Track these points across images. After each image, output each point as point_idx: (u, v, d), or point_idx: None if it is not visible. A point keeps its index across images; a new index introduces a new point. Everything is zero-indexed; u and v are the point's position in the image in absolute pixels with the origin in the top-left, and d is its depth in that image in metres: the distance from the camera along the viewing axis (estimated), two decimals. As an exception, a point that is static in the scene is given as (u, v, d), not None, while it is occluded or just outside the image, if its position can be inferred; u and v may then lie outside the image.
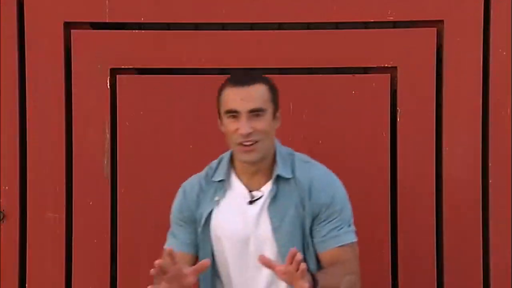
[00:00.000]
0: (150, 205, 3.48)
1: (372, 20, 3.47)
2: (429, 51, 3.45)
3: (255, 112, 2.67)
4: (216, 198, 2.78)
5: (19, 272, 3.53)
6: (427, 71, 3.45)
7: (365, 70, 3.53)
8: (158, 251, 3.43)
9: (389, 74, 3.47)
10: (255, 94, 2.69)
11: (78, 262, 3.51)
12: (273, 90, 2.76)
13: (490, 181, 3.46)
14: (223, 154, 2.88)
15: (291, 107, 3.40)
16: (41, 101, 3.49)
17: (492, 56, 3.45)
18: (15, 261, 3.52)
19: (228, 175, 2.79)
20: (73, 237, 3.51)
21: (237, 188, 2.78)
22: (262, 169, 2.75)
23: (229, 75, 2.84)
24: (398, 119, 3.46)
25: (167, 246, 2.84)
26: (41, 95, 3.49)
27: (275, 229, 2.71)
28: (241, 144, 2.68)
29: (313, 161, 2.84)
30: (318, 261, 2.76)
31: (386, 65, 3.47)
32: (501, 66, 3.45)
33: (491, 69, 3.45)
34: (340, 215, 2.73)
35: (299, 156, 2.83)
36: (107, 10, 3.48)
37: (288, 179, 2.74)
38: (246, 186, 2.77)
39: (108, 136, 3.49)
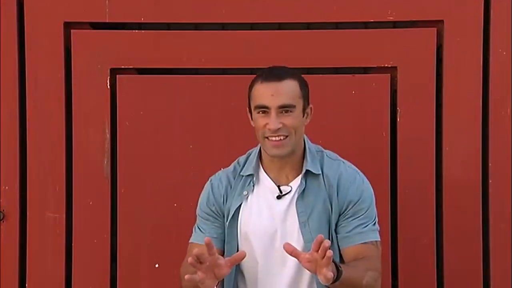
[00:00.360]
0: (150, 205, 3.48)
1: (372, 20, 3.47)
2: (429, 51, 3.45)
3: (285, 108, 2.68)
4: (245, 193, 2.78)
5: (19, 272, 3.53)
6: (427, 71, 3.45)
7: (365, 70, 3.53)
8: (158, 251, 3.45)
9: (389, 74, 3.47)
10: (285, 90, 2.69)
11: (78, 262, 3.51)
12: (304, 86, 2.75)
13: (490, 181, 3.46)
14: (251, 150, 2.87)
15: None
16: (41, 101, 3.49)
17: (492, 56, 3.45)
18: (15, 261, 3.52)
19: (256, 170, 2.79)
20: (73, 237, 3.51)
21: (265, 183, 2.77)
22: (290, 164, 2.75)
23: (261, 70, 2.80)
24: (398, 119, 3.46)
25: (193, 240, 2.84)
26: (41, 95, 3.49)
27: (302, 224, 2.71)
28: (269, 138, 2.68)
29: (341, 159, 2.84)
30: (341, 257, 2.76)
31: (386, 65, 3.47)
32: (501, 66, 3.45)
33: (491, 69, 3.45)
34: (366, 212, 2.74)
35: (328, 153, 2.84)
36: (107, 10, 3.48)
37: (316, 175, 2.75)
38: (274, 181, 2.77)
39: (108, 136, 3.49)
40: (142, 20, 3.50)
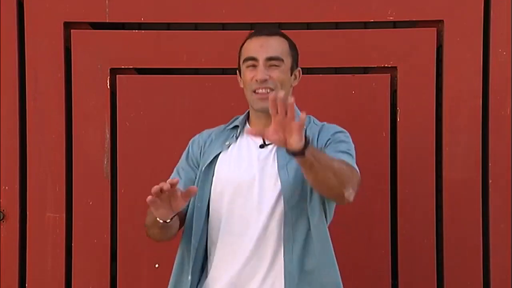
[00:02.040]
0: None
1: (372, 20, 3.47)
2: (429, 51, 3.45)
3: (273, 61, 2.70)
4: (227, 143, 2.79)
5: (19, 272, 3.53)
6: (427, 71, 3.45)
7: (365, 70, 3.53)
8: (158, 251, 3.45)
9: (389, 74, 3.47)
10: (274, 44, 2.73)
11: (78, 262, 3.51)
12: (293, 47, 2.79)
13: (490, 181, 3.46)
14: (238, 115, 2.88)
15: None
16: (41, 101, 3.49)
17: (492, 56, 3.45)
18: (15, 261, 3.52)
19: (242, 124, 2.82)
20: (73, 237, 3.51)
21: (250, 136, 2.77)
22: None
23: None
24: (398, 119, 3.47)
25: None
26: (41, 95, 3.49)
27: (281, 167, 2.69)
28: (256, 91, 2.71)
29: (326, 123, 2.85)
30: (324, 210, 2.72)
31: (386, 65, 3.47)
32: (501, 66, 3.45)
33: (491, 69, 3.45)
34: (342, 147, 2.71)
35: (315, 119, 2.85)
36: (107, 10, 3.48)
37: None
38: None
39: (108, 136, 3.49)
40: (142, 20, 3.50)
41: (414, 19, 3.48)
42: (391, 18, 3.47)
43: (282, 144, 2.41)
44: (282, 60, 2.73)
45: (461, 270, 3.46)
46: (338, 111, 3.45)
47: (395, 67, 3.46)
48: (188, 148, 2.88)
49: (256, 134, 2.51)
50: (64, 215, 3.51)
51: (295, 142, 2.38)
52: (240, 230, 2.70)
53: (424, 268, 3.46)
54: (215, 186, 2.76)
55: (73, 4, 3.48)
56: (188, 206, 2.77)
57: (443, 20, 3.45)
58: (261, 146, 2.75)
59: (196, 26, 3.56)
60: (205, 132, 2.89)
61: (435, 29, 3.46)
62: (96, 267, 3.51)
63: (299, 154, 2.41)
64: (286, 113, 2.36)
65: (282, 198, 2.67)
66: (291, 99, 2.36)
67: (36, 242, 3.51)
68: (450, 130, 3.46)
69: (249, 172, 2.72)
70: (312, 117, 2.85)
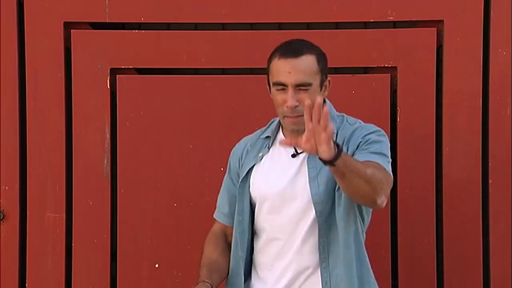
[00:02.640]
0: (150, 205, 3.48)
1: (372, 20, 3.47)
2: (429, 51, 3.45)
3: (302, 87, 2.69)
4: (260, 154, 2.82)
5: (19, 272, 3.53)
6: (427, 71, 3.45)
7: (365, 70, 3.53)
8: (158, 251, 3.45)
9: (389, 74, 3.47)
10: (302, 67, 2.69)
11: (78, 262, 3.51)
12: (322, 59, 2.77)
13: (490, 181, 3.46)
14: (274, 119, 2.88)
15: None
16: (41, 101, 3.49)
17: (492, 56, 3.45)
18: (15, 261, 3.52)
19: (274, 133, 2.83)
20: (73, 237, 3.51)
21: None
22: None
23: (280, 44, 2.80)
24: (398, 119, 3.46)
25: (215, 216, 2.95)
26: (41, 95, 3.49)
27: (311, 179, 2.71)
28: (287, 116, 2.71)
29: (361, 121, 2.83)
30: (360, 216, 2.76)
31: (386, 65, 3.47)
32: (501, 66, 3.45)
33: (491, 69, 3.45)
34: (376, 149, 2.69)
35: (349, 118, 2.84)
36: (107, 10, 3.48)
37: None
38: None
39: (108, 136, 3.49)
40: (142, 20, 3.50)
41: (414, 19, 3.47)
42: (391, 18, 3.47)
43: (314, 152, 2.42)
44: (311, 84, 2.70)
45: (461, 270, 3.46)
46: (338, 111, 3.45)
47: (395, 67, 3.46)
48: (230, 161, 2.93)
49: (289, 144, 2.51)
50: (64, 215, 3.50)
51: (324, 152, 2.38)
52: (278, 242, 2.76)
53: (424, 268, 3.46)
54: (253, 199, 2.81)
55: (73, 4, 3.48)
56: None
57: (443, 20, 3.45)
58: (293, 156, 2.76)
59: (196, 26, 3.55)
60: (243, 142, 2.93)
61: (435, 29, 3.46)
62: (96, 267, 3.50)
63: (329, 163, 2.42)
64: (319, 121, 2.36)
65: (313, 210, 2.70)
66: (326, 108, 2.35)
67: (36, 242, 3.51)
68: (450, 130, 3.46)
69: (280, 184, 2.75)
70: (346, 117, 2.85)
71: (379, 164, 2.64)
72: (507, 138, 3.45)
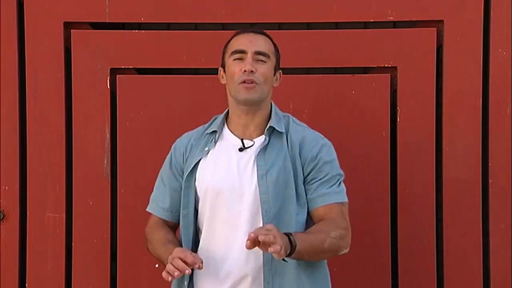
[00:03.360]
0: (150, 205, 3.48)
1: (372, 20, 3.47)
2: (429, 51, 3.45)
3: (260, 56, 2.76)
4: (206, 149, 2.83)
5: (19, 272, 3.53)
6: (427, 71, 3.45)
7: (365, 70, 3.53)
8: (158, 251, 3.43)
9: (389, 74, 3.47)
10: (262, 40, 2.81)
11: (78, 262, 3.51)
12: (277, 49, 2.86)
13: (490, 181, 3.46)
14: (216, 115, 2.92)
15: (291, 107, 3.40)
16: (41, 101, 3.49)
17: (492, 56, 3.45)
18: (15, 261, 3.52)
19: (220, 127, 2.85)
20: (73, 237, 3.51)
21: (229, 139, 2.82)
22: (255, 122, 2.80)
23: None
24: (398, 119, 3.46)
25: (151, 210, 2.93)
26: (41, 95, 3.49)
27: (260, 176, 2.74)
28: (242, 82, 2.74)
29: (308, 127, 2.89)
30: (311, 219, 2.80)
31: (386, 65, 3.47)
32: (501, 66, 3.45)
33: (491, 69, 3.45)
34: (328, 174, 2.78)
35: (295, 119, 2.89)
36: (107, 10, 3.48)
37: (280, 133, 2.79)
38: (238, 137, 2.82)
39: (108, 136, 3.49)
40: (142, 20, 3.50)
41: (414, 19, 3.48)
42: (391, 18, 3.47)
43: (265, 250, 2.52)
44: (269, 57, 2.79)
45: (461, 270, 3.46)
46: (338, 111, 3.46)
47: (395, 67, 3.46)
48: (171, 155, 2.93)
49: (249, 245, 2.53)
50: (64, 215, 3.50)
51: (278, 254, 2.47)
52: (223, 237, 2.76)
53: (424, 268, 3.46)
54: (198, 193, 2.81)
55: (73, 4, 3.48)
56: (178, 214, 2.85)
57: (443, 20, 3.45)
58: (240, 150, 2.79)
59: (196, 26, 3.55)
60: (185, 137, 2.94)
61: (435, 29, 3.46)
62: (96, 267, 3.51)
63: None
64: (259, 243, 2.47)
65: (259, 208, 2.72)
66: (261, 237, 2.45)
67: (36, 242, 3.51)
68: (450, 130, 3.46)
69: (228, 179, 2.77)
70: (291, 117, 2.88)
71: (336, 209, 2.74)
72: (507, 138, 3.45)
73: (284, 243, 2.49)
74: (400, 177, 3.46)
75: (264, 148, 2.78)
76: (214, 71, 3.50)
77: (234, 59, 2.78)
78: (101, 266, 3.50)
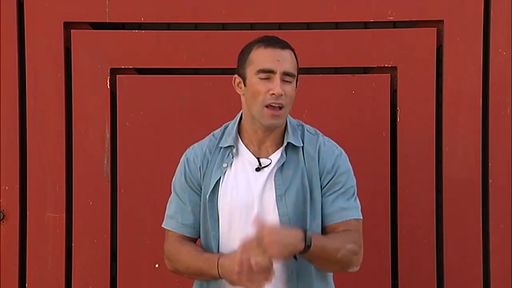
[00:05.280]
0: (150, 205, 3.48)
1: (372, 20, 3.47)
2: (429, 51, 3.45)
3: (288, 77, 2.66)
4: (224, 165, 2.73)
5: (19, 272, 3.53)
6: (427, 71, 3.45)
7: (365, 70, 3.53)
8: (158, 251, 3.44)
9: (389, 74, 3.47)
10: (288, 58, 2.68)
11: (78, 262, 3.51)
12: (297, 60, 2.76)
13: (490, 181, 3.46)
14: (227, 123, 2.84)
15: (291, 107, 3.40)
16: (41, 101, 3.49)
17: (492, 56, 3.45)
18: (15, 261, 3.52)
19: (235, 142, 2.75)
20: (73, 237, 3.51)
21: (245, 155, 2.73)
22: (271, 137, 2.72)
23: (258, 38, 2.79)
24: (398, 119, 3.47)
25: (170, 227, 2.81)
26: (41, 95, 3.49)
27: (279, 197, 2.68)
28: (269, 106, 2.65)
29: (320, 133, 2.83)
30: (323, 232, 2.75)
31: (386, 65, 3.47)
32: (501, 66, 3.45)
33: (491, 69, 3.45)
34: (344, 186, 2.72)
35: (308, 127, 2.82)
36: (107, 10, 3.48)
37: (297, 147, 2.72)
38: (254, 154, 2.73)
39: (108, 136, 3.49)
40: (142, 20, 3.50)
41: (414, 19, 3.48)
42: (391, 18, 3.47)
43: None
44: (295, 76, 2.70)
45: (461, 270, 3.46)
46: (338, 111, 3.46)
47: (395, 67, 3.46)
48: (185, 168, 2.80)
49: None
50: (64, 215, 3.50)
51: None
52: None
53: (424, 268, 3.46)
54: (221, 214, 2.73)
55: (73, 4, 3.48)
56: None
57: (443, 20, 3.45)
58: (257, 169, 2.72)
59: (196, 26, 3.56)
60: (198, 149, 2.81)
61: (435, 29, 3.46)
62: (96, 267, 3.51)
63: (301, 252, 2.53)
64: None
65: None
66: (254, 266, 2.46)
67: (36, 242, 3.51)
68: (450, 130, 3.46)
69: (248, 199, 2.70)
70: (305, 126, 2.81)
71: (354, 224, 2.70)
72: (507, 138, 3.45)
73: (286, 251, 2.50)
74: (400, 177, 3.46)
75: (282, 166, 2.70)
76: (214, 71, 3.52)
77: (261, 78, 2.66)
78: (101, 266, 3.50)
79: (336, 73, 3.55)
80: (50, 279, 3.51)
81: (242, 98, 2.75)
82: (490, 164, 3.46)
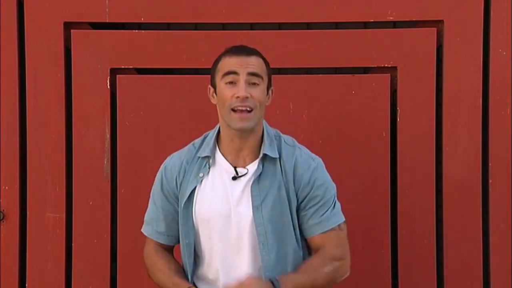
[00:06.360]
0: (150, 205, 3.48)
1: (372, 20, 3.47)
2: (429, 51, 3.45)
3: (254, 77, 2.68)
4: (200, 175, 2.77)
5: (19, 272, 3.53)
6: (427, 71, 3.45)
7: (365, 70, 3.53)
8: (158, 251, 3.43)
9: (389, 74, 3.47)
10: (254, 62, 2.71)
11: (78, 262, 3.51)
12: (268, 66, 2.77)
13: (490, 181, 3.46)
14: (207, 132, 2.87)
15: (291, 107, 3.40)
16: (41, 101, 3.49)
17: (492, 56, 3.45)
18: (15, 261, 3.52)
19: (213, 152, 2.78)
20: (73, 237, 3.51)
21: (222, 165, 2.76)
22: (248, 147, 2.74)
23: (227, 48, 2.81)
24: (398, 119, 3.47)
25: (147, 233, 2.89)
26: (41, 95, 3.49)
27: (255, 208, 2.70)
28: (236, 109, 2.67)
29: (297, 144, 2.83)
30: (308, 245, 2.79)
31: (386, 65, 3.47)
32: (501, 66, 3.45)
33: (491, 69, 3.45)
34: (322, 200, 2.74)
35: (286, 138, 2.83)
36: (107, 10, 3.48)
37: (274, 159, 2.74)
38: (231, 163, 2.76)
39: (108, 136, 3.49)
40: (142, 20, 3.50)
41: (414, 19, 3.48)
42: (391, 18, 3.47)
43: None
44: (262, 78, 2.71)
45: (461, 270, 3.46)
46: (338, 111, 3.46)
47: (395, 67, 3.46)
48: (162, 176, 2.84)
49: None
50: (64, 215, 3.50)
51: None
52: (222, 266, 2.74)
53: (424, 268, 3.46)
54: (196, 223, 2.77)
55: (73, 4, 3.48)
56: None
57: (443, 20, 3.45)
58: (234, 178, 2.74)
59: (196, 26, 3.56)
60: (177, 159, 2.84)
61: (435, 29, 3.46)
62: (96, 267, 3.51)
63: None
64: None
65: (257, 239, 2.70)
66: None
67: (36, 242, 3.51)
68: (450, 130, 3.46)
69: (224, 209, 2.72)
70: (282, 136, 2.82)
71: (332, 236, 2.72)
72: (507, 138, 3.45)
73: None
74: (400, 177, 3.46)
75: (258, 176, 2.72)
76: (214, 71, 3.51)
77: (226, 82, 2.70)
78: (101, 266, 3.50)
79: (336, 73, 3.55)
80: (50, 279, 3.51)
81: (217, 108, 2.78)
82: (490, 164, 3.46)
